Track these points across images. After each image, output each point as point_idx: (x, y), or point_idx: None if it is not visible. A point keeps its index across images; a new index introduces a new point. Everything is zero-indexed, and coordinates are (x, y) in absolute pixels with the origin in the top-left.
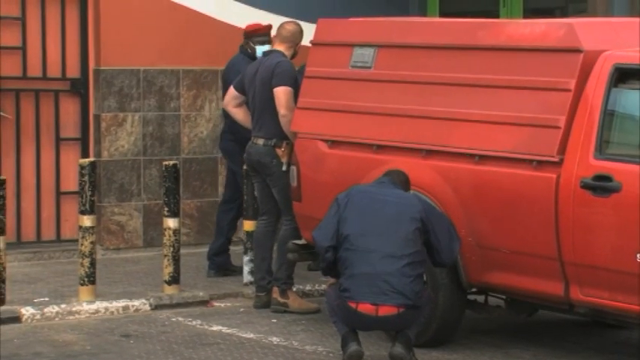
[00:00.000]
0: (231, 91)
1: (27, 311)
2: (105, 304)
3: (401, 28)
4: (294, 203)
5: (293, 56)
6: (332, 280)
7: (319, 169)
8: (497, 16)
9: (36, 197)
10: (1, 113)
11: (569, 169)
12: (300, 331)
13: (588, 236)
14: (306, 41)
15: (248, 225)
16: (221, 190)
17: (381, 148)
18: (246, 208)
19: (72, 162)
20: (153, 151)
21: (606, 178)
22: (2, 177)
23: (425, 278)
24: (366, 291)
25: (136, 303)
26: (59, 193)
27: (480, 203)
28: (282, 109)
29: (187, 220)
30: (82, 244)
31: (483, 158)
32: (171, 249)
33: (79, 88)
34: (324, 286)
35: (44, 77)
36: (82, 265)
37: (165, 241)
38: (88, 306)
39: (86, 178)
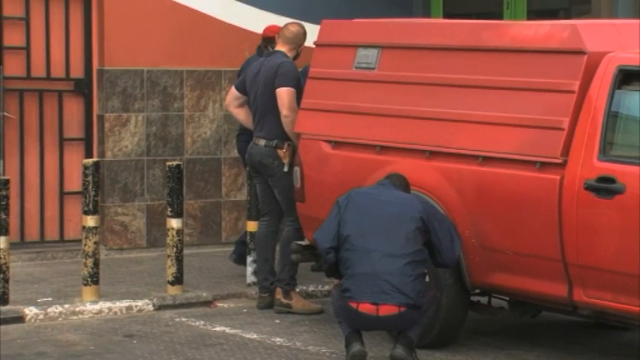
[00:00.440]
0: (233, 91)
1: (30, 311)
2: (108, 304)
3: (405, 30)
4: (298, 204)
5: (295, 57)
6: (337, 281)
7: (323, 169)
8: (500, 18)
9: (39, 197)
10: (5, 113)
11: (572, 171)
12: (304, 332)
13: (592, 238)
14: (309, 42)
15: (251, 226)
16: (224, 190)
17: (384, 149)
18: (250, 209)
19: (75, 162)
20: (156, 151)
21: (610, 180)
22: (6, 177)
23: (428, 279)
24: (366, 291)
25: (140, 303)
26: (63, 193)
27: (483, 205)
28: (284, 110)
29: (191, 221)
30: (85, 244)
31: (487, 159)
32: (175, 249)
33: (82, 88)
34: (327, 287)
35: (48, 77)
36: (85, 265)
37: (168, 242)
38: (91, 306)
39: (90, 178)
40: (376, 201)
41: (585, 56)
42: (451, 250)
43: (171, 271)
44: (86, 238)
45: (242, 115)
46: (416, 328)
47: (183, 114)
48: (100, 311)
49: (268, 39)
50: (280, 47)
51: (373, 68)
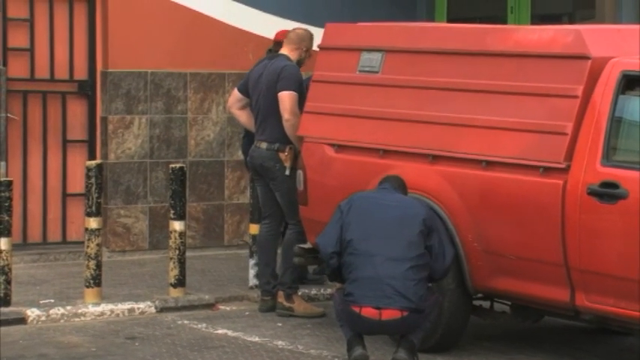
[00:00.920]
0: (235, 93)
1: (32, 312)
2: (110, 306)
3: (409, 33)
4: (301, 207)
5: (301, 61)
6: (339, 285)
7: (326, 173)
8: (504, 22)
9: (42, 199)
10: (9, 114)
11: (575, 176)
12: (306, 335)
13: (594, 243)
14: (313, 46)
15: (253, 228)
16: (227, 193)
17: (387, 152)
18: (252, 212)
19: (78, 164)
20: (159, 153)
21: (613, 185)
22: (9, 178)
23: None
24: (369, 295)
25: (142, 305)
26: (65, 195)
27: (486, 209)
28: (285, 114)
29: (193, 223)
30: (87, 246)
31: (490, 164)
32: (177, 252)
33: (86, 90)
34: (329, 290)
35: (52, 79)
36: (87, 267)
37: (171, 244)
38: (93, 308)
39: (93, 180)
40: (379, 205)
41: (589, 61)
42: (442, 262)
43: (173, 273)
44: (89, 239)
45: (244, 118)
46: (418, 332)
47: (187, 116)
48: (102, 313)
49: (280, 43)
50: (284, 50)
51: (377, 72)
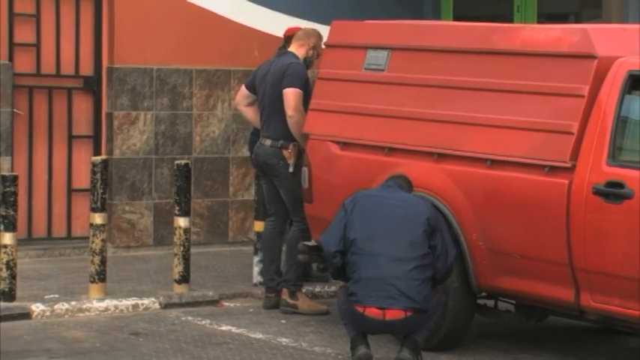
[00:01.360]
0: (243, 90)
1: (37, 307)
2: (115, 301)
3: (415, 32)
4: (306, 204)
5: (309, 59)
6: (342, 282)
7: (330, 170)
8: (511, 21)
9: (47, 194)
10: (14, 110)
11: (581, 175)
12: (310, 333)
13: (599, 242)
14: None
15: (258, 225)
16: (232, 190)
17: (392, 150)
18: (257, 209)
19: (84, 159)
20: (165, 149)
21: (618, 185)
22: (14, 173)
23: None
24: (372, 295)
25: (146, 301)
26: (70, 191)
27: (491, 208)
28: (289, 111)
29: (198, 220)
30: (92, 242)
31: (495, 163)
32: (182, 248)
33: (92, 85)
34: (333, 288)
35: (58, 74)
36: (92, 262)
37: (175, 240)
38: (97, 303)
39: (98, 175)
40: (383, 204)
41: (595, 61)
42: (445, 262)
43: (177, 269)
44: (94, 235)
45: (250, 114)
46: (422, 331)
47: (192, 113)
48: (107, 309)
49: (289, 39)
50: (292, 47)
51: (383, 70)
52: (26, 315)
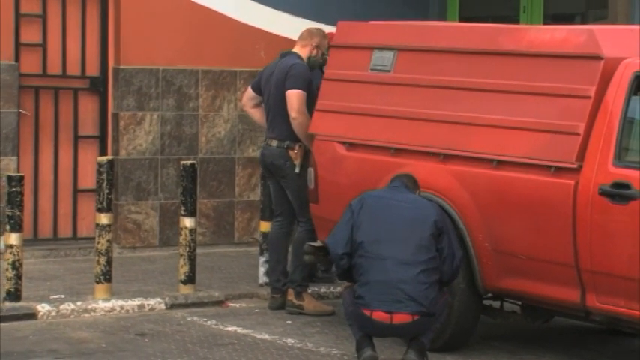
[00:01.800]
0: (249, 91)
1: (43, 308)
2: (120, 302)
3: (421, 32)
4: (312, 205)
5: (312, 59)
6: (348, 283)
7: (337, 171)
8: (517, 22)
9: (53, 194)
10: (21, 110)
11: (587, 176)
12: (315, 333)
13: (605, 243)
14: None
15: (263, 226)
16: (238, 190)
17: (398, 151)
18: (263, 210)
19: (90, 160)
20: (170, 150)
21: (624, 186)
22: (20, 173)
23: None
24: (380, 299)
25: (152, 302)
26: (76, 191)
27: (497, 208)
28: (292, 113)
29: (203, 220)
30: (98, 242)
31: (501, 164)
32: (187, 248)
33: (98, 86)
34: (339, 289)
35: (64, 75)
36: (98, 262)
37: (181, 241)
38: (103, 304)
39: (104, 176)
40: (390, 205)
41: (602, 62)
42: (451, 264)
43: (183, 270)
44: (99, 235)
45: (257, 115)
46: (428, 332)
47: (198, 114)
48: (112, 309)
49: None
50: (295, 47)
51: (389, 71)
52: (32, 315)
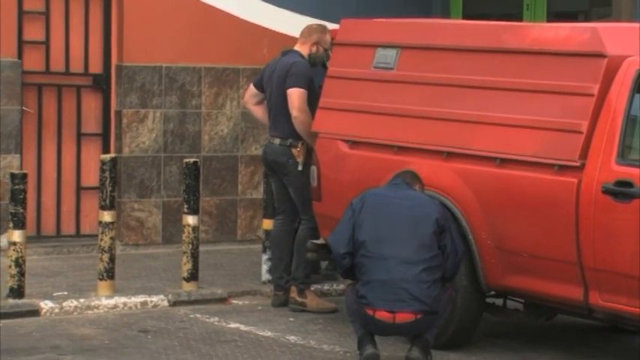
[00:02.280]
0: (251, 88)
1: (46, 305)
2: (123, 299)
3: (424, 30)
4: (314, 203)
5: (313, 56)
6: (351, 281)
7: (340, 169)
8: (520, 20)
9: (56, 192)
10: (24, 107)
11: (590, 174)
12: (318, 331)
13: (609, 241)
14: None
15: (266, 223)
16: (240, 188)
17: (402, 149)
18: (266, 207)
19: (93, 157)
20: (173, 148)
21: (628, 184)
22: (23, 171)
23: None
24: (382, 298)
25: (155, 299)
26: (79, 188)
27: (500, 206)
28: (294, 111)
29: (206, 218)
30: (101, 239)
31: (505, 161)
32: (190, 246)
33: (101, 83)
34: (342, 286)
35: (67, 72)
36: (101, 260)
37: (184, 238)
38: (106, 301)
39: (107, 173)
40: (391, 204)
41: (605, 59)
42: (454, 260)
43: (186, 267)
44: (102, 233)
45: (260, 113)
46: (432, 329)
47: (201, 111)
48: (115, 306)
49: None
50: (296, 44)
51: (392, 68)
52: (35, 312)
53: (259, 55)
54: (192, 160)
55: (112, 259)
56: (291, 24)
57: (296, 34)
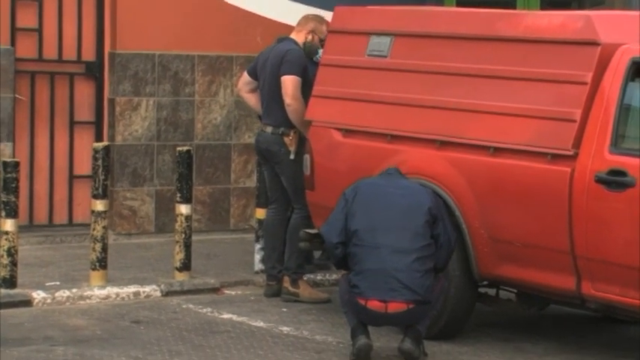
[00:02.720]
0: (245, 76)
1: (38, 295)
2: (116, 289)
3: (418, 18)
4: (307, 192)
5: (308, 45)
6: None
7: (333, 157)
8: (514, 7)
9: (49, 180)
10: (16, 95)
11: (583, 163)
12: (311, 321)
13: (601, 231)
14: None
15: (259, 213)
16: (234, 177)
17: (395, 138)
18: (259, 196)
19: (85, 145)
20: (166, 136)
21: (621, 173)
22: (16, 159)
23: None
24: (374, 287)
25: (147, 289)
26: (72, 177)
27: (493, 195)
28: (287, 99)
29: (199, 207)
30: (94, 229)
31: (498, 150)
32: (183, 235)
33: (94, 71)
34: (335, 276)
35: (59, 60)
36: (93, 249)
37: (177, 228)
38: (98, 291)
39: (100, 162)
40: (384, 193)
41: (599, 47)
42: (447, 249)
43: (179, 257)
44: (95, 222)
45: (253, 101)
46: (425, 320)
47: (194, 99)
48: (108, 296)
49: None
50: (292, 34)
51: (385, 56)
52: (27, 302)
53: (253, 42)
54: (185, 148)
55: (104, 249)
56: (285, 12)
57: (290, 21)
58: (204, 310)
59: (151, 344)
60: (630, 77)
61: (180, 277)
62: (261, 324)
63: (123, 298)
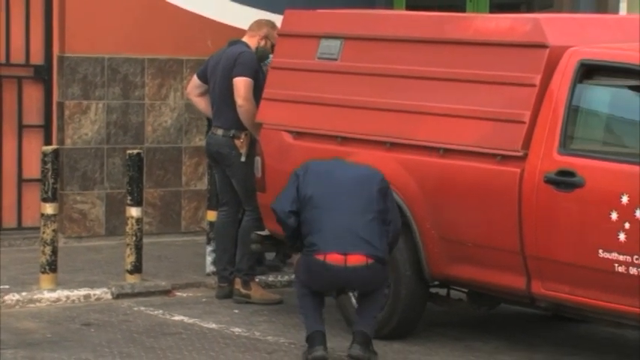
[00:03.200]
0: (194, 79)
1: None
2: (66, 292)
3: (368, 21)
4: (259, 194)
5: (261, 49)
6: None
7: (284, 160)
8: (463, 11)
9: None
10: None
11: (533, 164)
12: (263, 322)
13: (551, 231)
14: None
15: (211, 215)
16: (185, 179)
17: (345, 140)
18: (210, 199)
19: (34, 149)
20: (116, 139)
21: (569, 174)
22: None
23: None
24: (334, 241)
25: (98, 292)
26: (21, 180)
27: (443, 196)
28: (239, 100)
29: (150, 210)
30: (43, 232)
31: (448, 152)
32: (134, 238)
33: (42, 74)
34: (286, 277)
35: (7, 63)
36: (43, 252)
37: (127, 230)
38: (49, 294)
39: (49, 165)
40: (336, 166)
41: (547, 50)
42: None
43: (130, 259)
44: (44, 225)
45: (202, 105)
46: (371, 322)
47: (144, 102)
48: (58, 299)
49: None
50: (244, 37)
51: (336, 59)
52: None
53: (203, 46)
54: (135, 151)
55: (54, 252)
56: (237, 16)
57: (241, 25)
58: (156, 312)
59: (101, 347)
60: (578, 79)
61: (131, 279)
62: (212, 325)
63: (73, 301)
